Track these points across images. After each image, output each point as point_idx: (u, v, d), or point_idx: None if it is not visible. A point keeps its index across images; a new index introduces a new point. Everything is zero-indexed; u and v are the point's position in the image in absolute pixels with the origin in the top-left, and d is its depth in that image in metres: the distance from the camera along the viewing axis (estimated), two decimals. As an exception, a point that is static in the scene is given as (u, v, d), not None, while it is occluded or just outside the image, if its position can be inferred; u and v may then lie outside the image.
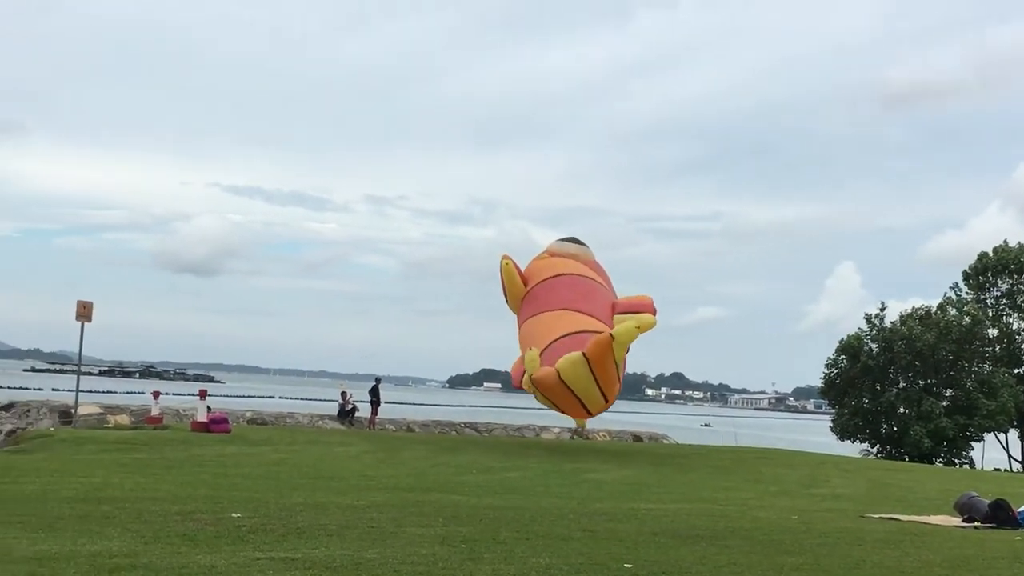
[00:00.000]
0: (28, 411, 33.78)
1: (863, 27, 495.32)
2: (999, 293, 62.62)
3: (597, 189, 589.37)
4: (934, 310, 58.80)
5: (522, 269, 34.30)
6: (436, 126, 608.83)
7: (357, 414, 40.25)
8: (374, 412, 40.20)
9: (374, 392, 40.43)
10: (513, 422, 46.89)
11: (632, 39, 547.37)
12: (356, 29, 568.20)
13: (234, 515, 11.92)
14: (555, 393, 29.48)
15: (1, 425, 31.44)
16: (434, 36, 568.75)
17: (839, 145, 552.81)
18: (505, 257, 34.10)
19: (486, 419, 49.76)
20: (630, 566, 9.74)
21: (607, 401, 29.87)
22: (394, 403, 73.38)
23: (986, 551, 12.76)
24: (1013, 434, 61.68)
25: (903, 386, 57.71)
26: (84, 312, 30.59)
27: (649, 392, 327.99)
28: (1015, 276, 61.73)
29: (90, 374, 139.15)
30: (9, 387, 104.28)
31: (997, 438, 60.44)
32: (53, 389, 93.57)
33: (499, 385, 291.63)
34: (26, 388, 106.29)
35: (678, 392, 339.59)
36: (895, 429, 57.36)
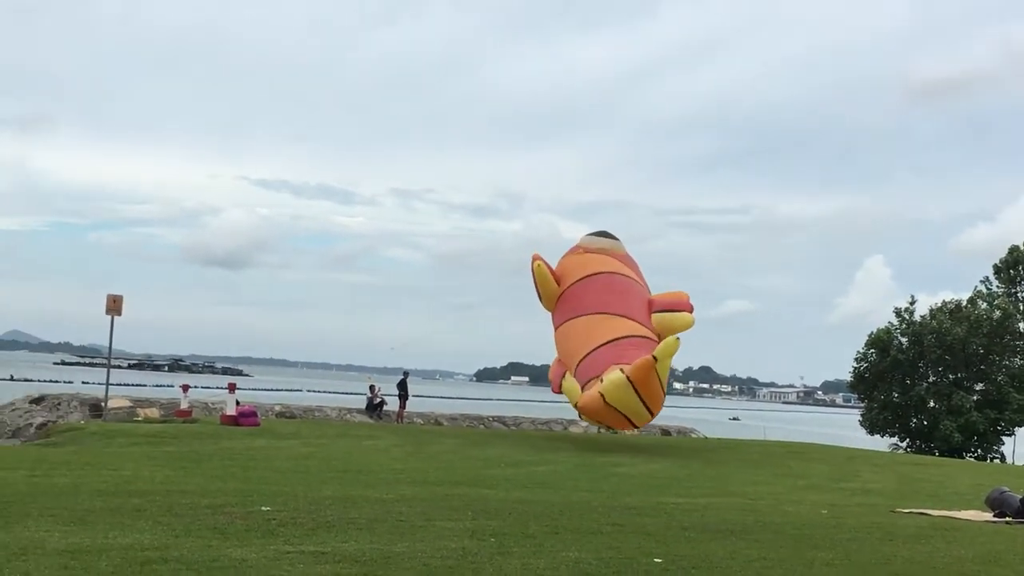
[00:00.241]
0: (59, 404, 34.10)
1: (893, 18, 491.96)
2: (1030, 287, 61.95)
3: (624, 182, 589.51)
4: (964, 304, 58.22)
5: (553, 267, 33.48)
6: (462, 119, 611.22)
7: (385, 407, 40.37)
8: (402, 406, 40.33)
9: (402, 386, 40.54)
10: (541, 416, 46.85)
11: (660, 32, 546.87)
12: (384, 24, 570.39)
13: (264, 508, 11.96)
14: (601, 415, 29.82)
15: (32, 418, 31.69)
16: (462, 31, 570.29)
17: (869, 137, 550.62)
18: (536, 258, 33.13)
19: (514, 413, 49.78)
20: (660, 560, 9.73)
21: (652, 414, 29.89)
22: (422, 396, 73.40)
23: (1018, 547, 12.64)
24: (1044, 429, 61.12)
25: (933, 380, 57.24)
26: (114, 306, 30.87)
27: (677, 386, 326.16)
28: (1047, 270, 61.08)
29: (119, 367, 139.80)
30: (39, 380, 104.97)
31: (1028, 433, 59.92)
32: (83, 382, 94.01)
33: (526, 379, 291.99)
34: (56, 381, 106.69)
35: (706, 386, 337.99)
36: (925, 423, 56.93)
